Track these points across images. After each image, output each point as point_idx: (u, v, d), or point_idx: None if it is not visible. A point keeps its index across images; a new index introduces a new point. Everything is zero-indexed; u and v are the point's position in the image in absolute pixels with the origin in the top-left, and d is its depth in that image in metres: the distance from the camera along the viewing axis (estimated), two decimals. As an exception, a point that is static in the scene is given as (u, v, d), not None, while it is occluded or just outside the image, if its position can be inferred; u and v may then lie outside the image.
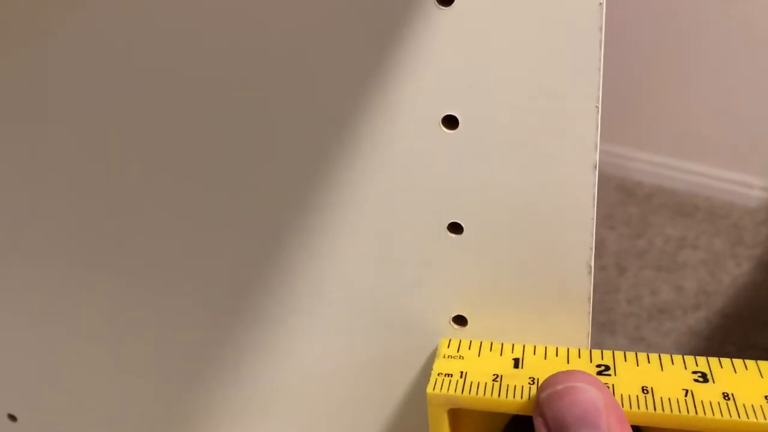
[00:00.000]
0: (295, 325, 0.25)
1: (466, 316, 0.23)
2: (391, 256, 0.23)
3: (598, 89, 0.19)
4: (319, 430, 0.28)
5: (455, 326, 0.23)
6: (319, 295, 0.24)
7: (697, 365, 0.20)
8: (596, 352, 0.21)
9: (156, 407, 0.30)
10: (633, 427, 0.20)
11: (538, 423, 0.19)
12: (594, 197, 0.20)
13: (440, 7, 0.18)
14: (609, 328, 1.12)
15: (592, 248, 0.21)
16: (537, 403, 0.20)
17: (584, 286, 0.21)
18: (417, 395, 0.25)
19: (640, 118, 1.52)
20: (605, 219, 1.43)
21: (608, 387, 0.20)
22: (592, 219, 0.20)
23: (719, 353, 1.13)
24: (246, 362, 0.27)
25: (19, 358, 0.31)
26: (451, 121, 0.20)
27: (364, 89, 0.20)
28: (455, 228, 0.22)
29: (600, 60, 0.18)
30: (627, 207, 1.47)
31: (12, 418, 0.34)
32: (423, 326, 0.24)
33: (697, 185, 1.48)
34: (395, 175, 0.21)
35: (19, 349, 0.31)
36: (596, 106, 0.19)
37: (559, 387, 0.19)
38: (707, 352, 1.04)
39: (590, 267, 0.21)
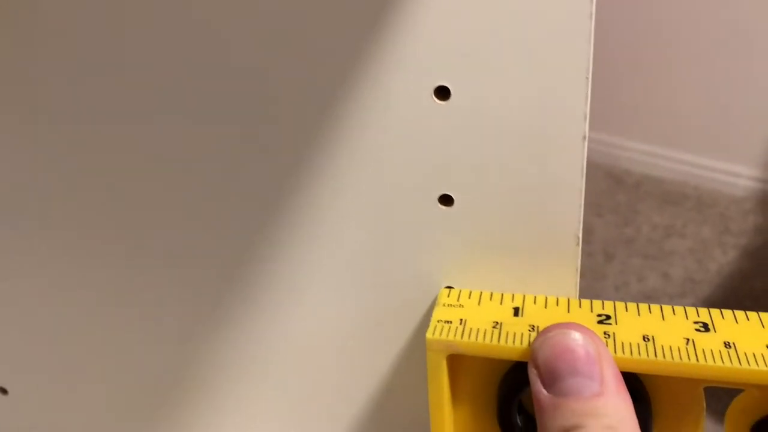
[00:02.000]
0: (291, 289, 0.25)
1: (455, 286, 0.23)
2: (383, 226, 0.23)
3: (589, 60, 0.19)
4: (316, 390, 0.28)
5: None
6: (313, 258, 0.24)
7: (698, 316, 0.20)
8: (597, 303, 0.21)
9: (149, 376, 0.30)
10: (631, 376, 0.20)
11: (532, 375, 0.19)
12: (583, 169, 0.20)
13: (433, -24, 0.18)
14: (596, 314, 1.13)
15: (580, 220, 0.21)
16: (531, 352, 0.20)
17: (572, 257, 0.21)
18: (412, 357, 0.26)
19: (629, 108, 1.53)
20: (593, 207, 1.44)
21: (609, 335, 0.20)
22: (581, 190, 0.20)
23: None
24: (243, 327, 0.27)
25: (9, 331, 0.31)
26: (443, 92, 0.20)
27: (357, 59, 0.20)
28: (446, 200, 0.22)
29: (590, 31, 0.18)
30: (615, 195, 1.48)
31: (3, 391, 0.34)
32: (414, 292, 0.24)
33: (686, 174, 1.50)
34: (387, 146, 0.21)
35: (9, 322, 0.31)
36: (586, 77, 0.19)
37: (553, 335, 0.19)
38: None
39: (578, 238, 0.21)
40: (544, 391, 0.19)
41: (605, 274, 1.24)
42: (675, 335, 0.20)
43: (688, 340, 0.19)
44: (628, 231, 1.36)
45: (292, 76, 0.21)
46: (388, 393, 0.27)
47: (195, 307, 0.27)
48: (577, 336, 0.19)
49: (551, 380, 0.19)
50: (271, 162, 0.23)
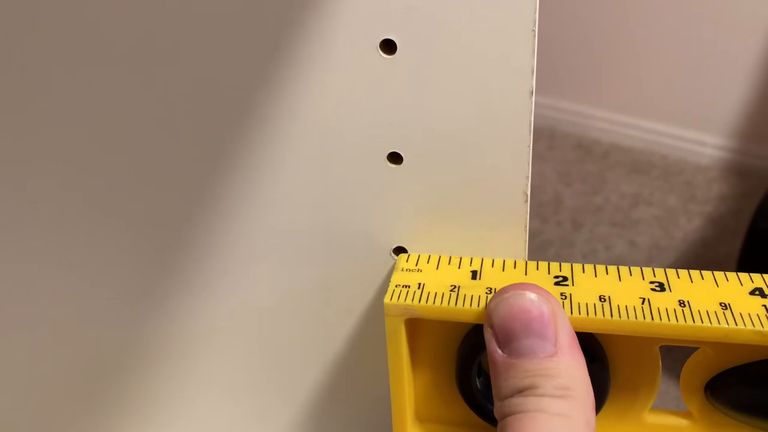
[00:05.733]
0: (239, 254, 0.25)
1: (406, 246, 0.23)
2: (333, 188, 0.23)
3: (535, 13, 0.18)
4: (273, 360, 0.28)
5: (395, 257, 0.23)
6: (262, 223, 0.24)
7: (654, 276, 0.20)
8: (555, 265, 0.21)
9: (96, 344, 0.29)
10: (589, 336, 0.20)
11: (487, 335, 0.19)
12: (530, 124, 0.20)
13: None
14: (564, 281, 1.14)
15: (528, 177, 0.21)
16: (487, 313, 0.19)
17: (521, 214, 0.21)
18: (371, 324, 0.25)
19: (599, 78, 1.53)
20: (563, 176, 1.45)
21: (565, 296, 0.20)
22: (529, 146, 0.20)
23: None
24: (193, 297, 0.27)
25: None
26: (389, 46, 0.20)
27: (298, 13, 0.20)
28: (395, 158, 0.22)
29: (536, -19, 0.18)
30: (584, 164, 1.50)
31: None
32: (367, 254, 0.24)
33: (654, 143, 1.51)
34: (334, 103, 0.21)
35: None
36: (533, 30, 0.19)
37: (508, 296, 0.19)
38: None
39: (526, 195, 0.21)
40: (499, 351, 0.19)
41: (573, 242, 1.25)
42: (631, 295, 0.20)
43: (643, 299, 0.20)
44: (596, 200, 1.37)
45: (235, 36, 0.20)
46: (348, 361, 0.27)
47: (143, 274, 0.26)
48: (532, 296, 0.19)
49: (506, 340, 0.19)
50: (215, 125, 0.22)
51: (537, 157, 1.54)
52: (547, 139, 1.60)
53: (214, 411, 0.30)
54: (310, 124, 0.22)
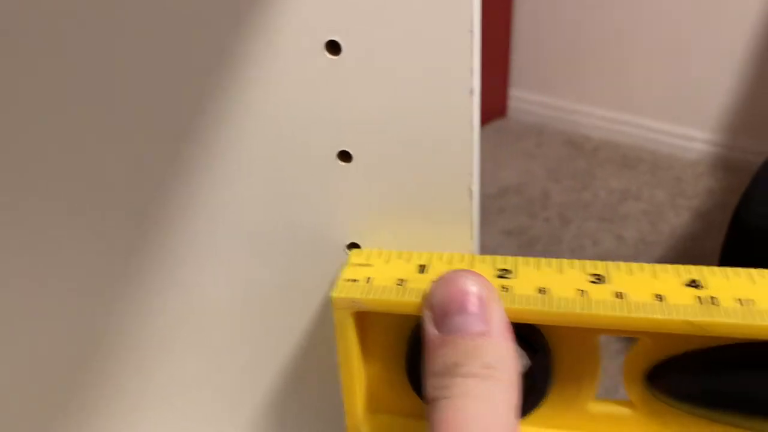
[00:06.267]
0: (195, 253, 0.25)
1: (359, 242, 0.24)
2: (285, 184, 0.23)
3: (472, 13, 0.19)
4: (227, 359, 0.28)
5: (349, 252, 0.24)
6: (217, 222, 0.24)
7: (595, 268, 0.21)
8: (500, 258, 0.22)
9: (48, 342, 0.30)
10: (532, 329, 0.21)
11: (426, 317, 0.20)
12: (472, 122, 0.20)
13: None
14: (551, 277, 1.15)
15: (471, 173, 0.21)
16: (426, 295, 0.20)
17: (466, 210, 0.22)
18: (325, 320, 0.26)
19: (588, 75, 1.54)
20: (552, 172, 1.45)
21: (506, 289, 0.20)
22: (471, 143, 0.21)
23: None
24: (145, 296, 0.27)
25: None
26: (334, 47, 0.20)
27: (244, 15, 0.20)
28: (345, 156, 0.22)
29: (470, -16, 0.18)
30: (574, 161, 1.50)
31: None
32: (321, 251, 0.24)
33: (643, 139, 1.52)
34: (282, 104, 0.21)
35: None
36: (470, 31, 0.19)
37: (447, 278, 0.20)
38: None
39: (471, 191, 0.22)
40: (435, 331, 0.19)
41: (561, 238, 1.26)
42: (570, 287, 0.20)
43: (582, 291, 0.20)
44: (585, 195, 1.38)
45: (182, 37, 0.21)
46: (306, 356, 0.27)
47: (98, 272, 0.27)
48: (469, 278, 0.20)
49: (441, 319, 0.19)
50: (165, 126, 0.23)
51: (526, 155, 1.54)
52: (537, 137, 1.60)
53: (172, 409, 0.30)
54: (261, 124, 0.22)
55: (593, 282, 0.20)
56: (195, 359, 0.28)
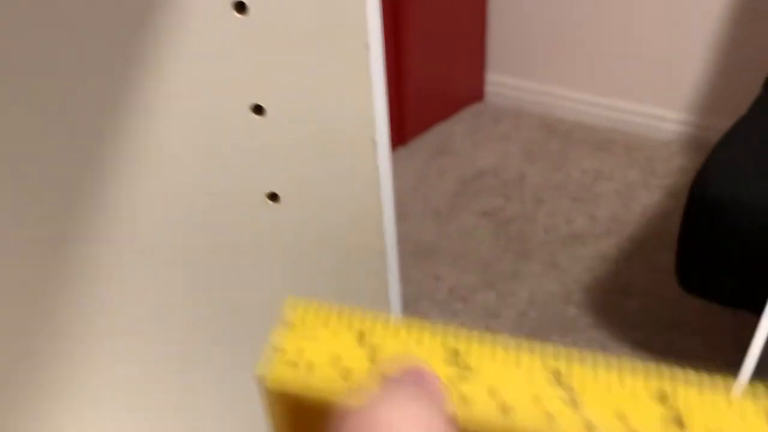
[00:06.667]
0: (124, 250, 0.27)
1: (278, 192, 0.26)
2: (202, 141, 0.25)
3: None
4: (160, 362, 0.30)
5: (270, 202, 0.26)
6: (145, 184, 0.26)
7: (556, 361, 0.19)
8: (452, 336, 0.19)
9: None
10: None
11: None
12: (369, 73, 0.22)
13: None
14: (525, 255, 1.17)
15: (374, 122, 0.23)
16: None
17: (369, 157, 0.24)
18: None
19: (563, 58, 1.56)
20: (526, 154, 1.47)
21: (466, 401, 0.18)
22: (371, 91, 0.23)
23: (627, 276, 1.17)
24: (81, 295, 0.28)
25: None
26: (241, 7, 0.22)
27: (157, -22, 0.22)
28: (258, 110, 0.24)
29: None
30: (548, 143, 1.52)
31: None
32: (240, 200, 0.26)
33: (616, 120, 1.54)
34: (197, 61, 0.23)
35: None
36: (362, -9, 0.21)
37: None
38: (616, 275, 1.11)
39: (374, 141, 0.23)
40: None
41: (535, 217, 1.28)
42: (533, 401, 0.18)
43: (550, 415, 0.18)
44: (558, 176, 1.40)
45: (97, 8, 0.22)
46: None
47: (26, 271, 0.28)
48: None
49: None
50: (87, 94, 0.24)
51: (502, 137, 1.56)
52: (513, 119, 1.62)
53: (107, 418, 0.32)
54: (177, 83, 0.24)
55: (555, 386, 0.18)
56: (134, 368, 0.30)
